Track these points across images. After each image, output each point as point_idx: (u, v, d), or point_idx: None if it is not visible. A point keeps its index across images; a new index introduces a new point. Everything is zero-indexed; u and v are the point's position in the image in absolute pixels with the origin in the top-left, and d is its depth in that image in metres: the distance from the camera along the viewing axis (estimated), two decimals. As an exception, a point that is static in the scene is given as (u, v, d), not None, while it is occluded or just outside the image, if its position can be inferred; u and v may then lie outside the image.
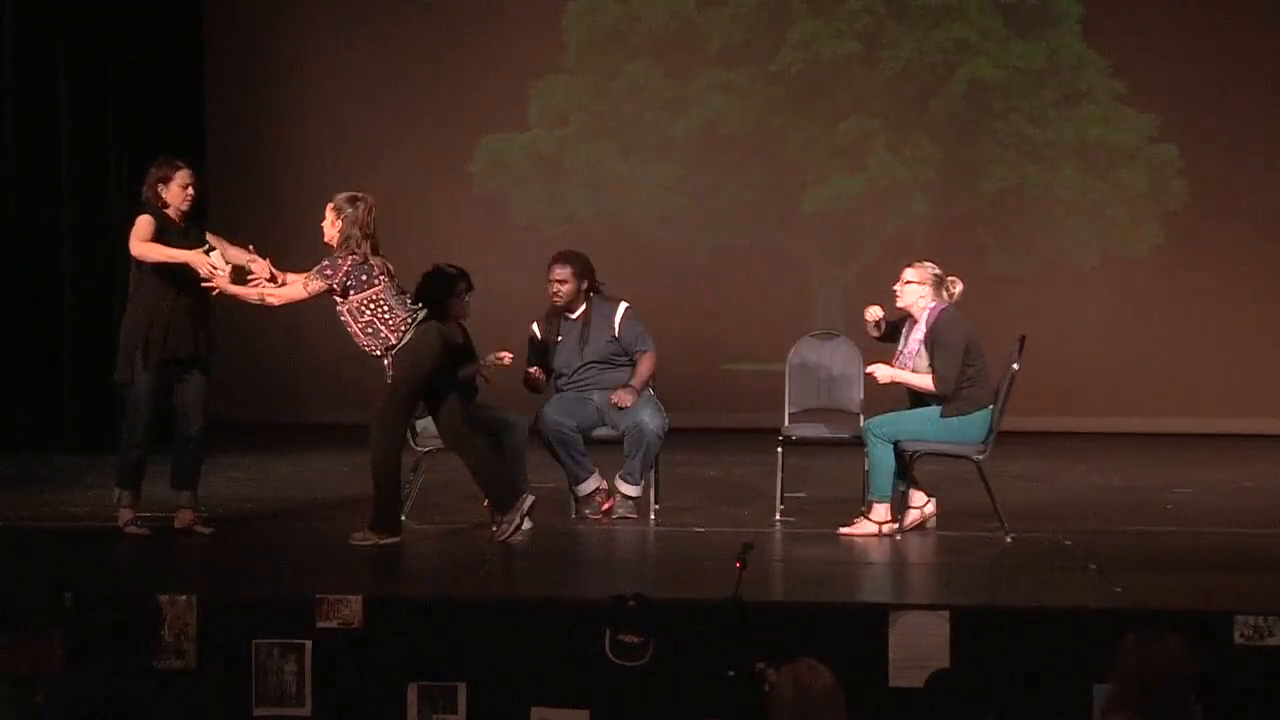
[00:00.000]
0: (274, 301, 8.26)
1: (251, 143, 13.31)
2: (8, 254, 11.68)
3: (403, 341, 8.13)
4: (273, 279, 8.28)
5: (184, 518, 8.46)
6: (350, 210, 8.15)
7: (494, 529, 8.22)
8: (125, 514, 8.43)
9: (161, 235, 8.27)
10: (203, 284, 8.20)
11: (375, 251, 8.17)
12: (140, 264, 8.32)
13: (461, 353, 8.53)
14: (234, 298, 8.28)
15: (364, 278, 8.11)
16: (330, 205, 8.22)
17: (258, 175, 13.21)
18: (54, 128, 11.83)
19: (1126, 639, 5.14)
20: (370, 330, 8.14)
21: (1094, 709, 6.45)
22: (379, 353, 8.18)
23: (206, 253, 8.25)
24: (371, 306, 8.13)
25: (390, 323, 8.13)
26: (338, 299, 8.16)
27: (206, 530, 8.46)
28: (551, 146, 13.44)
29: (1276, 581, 7.67)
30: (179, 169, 8.42)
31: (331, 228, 8.19)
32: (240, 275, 8.30)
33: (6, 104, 11.72)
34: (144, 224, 8.27)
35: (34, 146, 11.76)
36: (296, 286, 8.21)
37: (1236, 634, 6.61)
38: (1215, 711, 5.37)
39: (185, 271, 8.25)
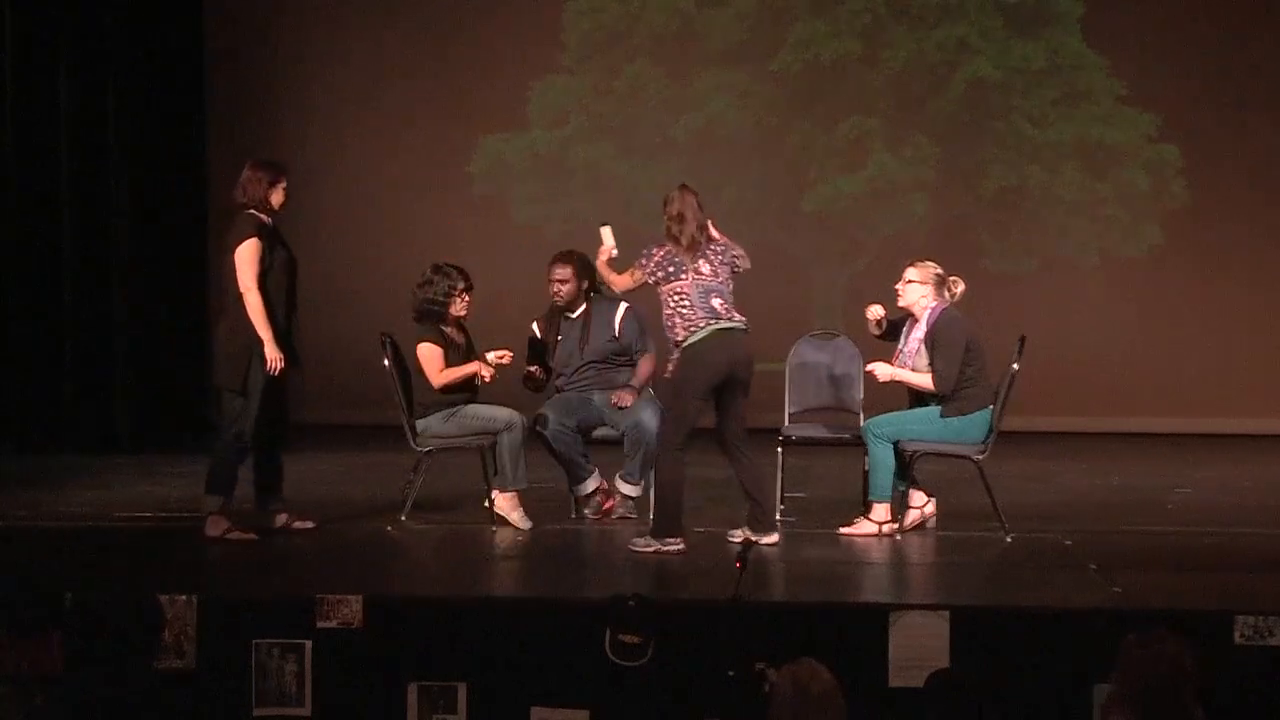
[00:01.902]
0: (615, 285, 8.46)
1: (252, 142, 13.23)
2: (8, 253, 11.68)
3: (690, 341, 8.12)
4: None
5: (283, 519, 8.50)
6: (670, 204, 8.25)
7: (740, 540, 8.03)
8: (221, 522, 8.25)
9: (266, 249, 8.23)
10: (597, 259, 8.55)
11: (695, 244, 8.19)
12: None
13: (749, 364, 8.29)
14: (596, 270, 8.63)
15: (671, 269, 8.16)
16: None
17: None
18: (54, 127, 11.84)
19: (1126, 639, 5.13)
20: (670, 322, 8.17)
21: (1094, 709, 6.45)
22: (673, 342, 8.21)
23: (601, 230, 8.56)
24: (675, 299, 8.16)
25: (687, 318, 8.13)
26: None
27: (307, 525, 8.53)
28: (551, 146, 13.44)
29: (1276, 581, 7.67)
30: (283, 171, 8.40)
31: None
32: None
33: (6, 104, 11.72)
34: (255, 249, 8.20)
35: (34, 146, 11.77)
36: (628, 276, 8.37)
37: (1236, 634, 6.61)
38: (1215, 712, 5.36)
39: (283, 281, 8.29)
